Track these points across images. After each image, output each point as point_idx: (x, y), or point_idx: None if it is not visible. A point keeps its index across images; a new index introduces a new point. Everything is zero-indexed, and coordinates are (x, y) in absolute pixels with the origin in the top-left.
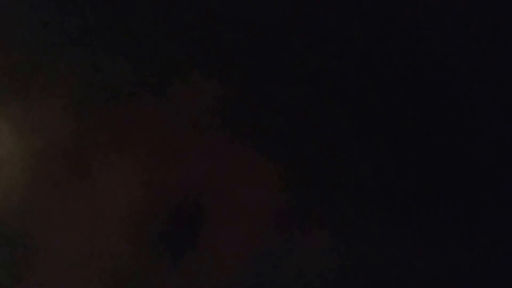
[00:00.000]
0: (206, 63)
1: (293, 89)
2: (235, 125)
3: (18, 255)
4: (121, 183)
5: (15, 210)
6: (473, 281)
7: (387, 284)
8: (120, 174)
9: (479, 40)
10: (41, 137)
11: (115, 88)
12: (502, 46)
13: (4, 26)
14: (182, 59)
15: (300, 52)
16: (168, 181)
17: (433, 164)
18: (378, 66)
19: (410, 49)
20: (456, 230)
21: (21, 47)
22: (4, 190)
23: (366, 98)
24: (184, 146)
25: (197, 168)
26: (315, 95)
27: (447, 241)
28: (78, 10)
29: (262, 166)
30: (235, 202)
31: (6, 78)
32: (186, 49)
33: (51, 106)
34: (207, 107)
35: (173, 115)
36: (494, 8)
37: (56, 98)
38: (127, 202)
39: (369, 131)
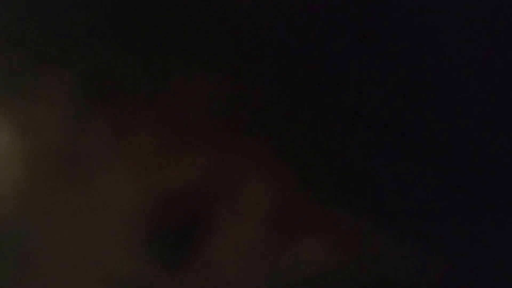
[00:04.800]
0: (207, 63)
1: (294, 89)
2: (236, 127)
3: (18, 255)
4: (122, 184)
5: (14, 211)
6: (472, 284)
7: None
8: (120, 175)
9: (484, 40)
10: (41, 137)
11: (116, 88)
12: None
13: (4, 26)
14: (183, 60)
15: (305, 52)
16: (169, 183)
17: (432, 165)
18: (382, 68)
19: (415, 49)
20: (455, 232)
21: (22, 47)
22: (3, 191)
23: (367, 99)
24: (185, 148)
25: (199, 169)
26: (316, 95)
27: (445, 243)
28: (78, 10)
29: (264, 168)
30: (237, 205)
31: (6, 78)
32: (186, 49)
33: (51, 106)
34: (208, 107)
35: (175, 116)
36: (495, 8)
37: (56, 98)
38: (128, 203)
39: (368, 133)
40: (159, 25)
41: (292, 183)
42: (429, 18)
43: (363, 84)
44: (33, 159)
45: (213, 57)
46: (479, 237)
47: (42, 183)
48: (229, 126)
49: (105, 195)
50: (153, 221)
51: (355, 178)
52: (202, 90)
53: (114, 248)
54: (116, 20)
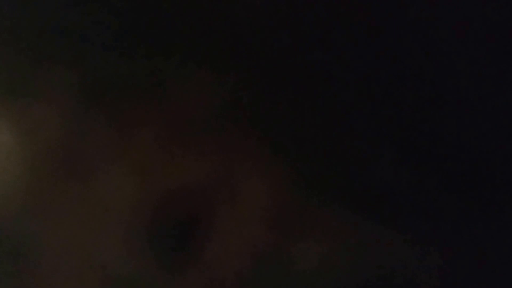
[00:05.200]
0: (207, 63)
1: (294, 89)
2: (236, 127)
3: (17, 255)
4: (121, 184)
5: (13, 212)
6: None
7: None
8: (120, 175)
9: (484, 42)
10: (40, 137)
11: (115, 88)
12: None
13: (4, 26)
14: (183, 60)
15: (303, 51)
16: (168, 184)
17: (432, 167)
18: (383, 68)
19: (415, 50)
20: (454, 234)
21: (21, 47)
22: (3, 190)
23: (367, 99)
24: (185, 148)
25: (198, 170)
26: (319, 97)
27: (445, 245)
28: (78, 10)
29: (264, 168)
30: (236, 206)
31: (6, 78)
32: (189, 48)
33: (50, 106)
34: (208, 108)
35: (174, 116)
36: (496, 9)
37: (56, 98)
38: (127, 203)
39: (368, 134)
40: (158, 25)
41: (292, 184)
42: (429, 21)
43: (362, 86)
44: (33, 158)
45: (213, 58)
46: (477, 236)
47: (42, 183)
48: (229, 126)
49: (105, 195)
50: (153, 222)
51: (354, 179)
52: (202, 90)
53: (113, 248)
54: (115, 20)
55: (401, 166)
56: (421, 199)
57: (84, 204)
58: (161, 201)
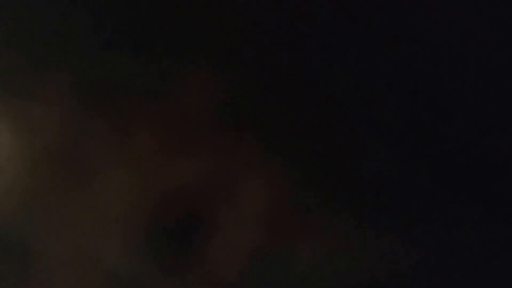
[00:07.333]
0: (206, 64)
1: (292, 89)
2: (237, 127)
3: (16, 254)
4: (121, 184)
5: (13, 212)
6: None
7: None
8: (119, 176)
9: (484, 42)
10: (40, 138)
11: (115, 89)
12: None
13: (4, 26)
14: (182, 61)
15: (304, 51)
16: (168, 184)
17: (433, 168)
18: (382, 69)
19: (415, 50)
20: (454, 236)
21: (22, 47)
22: (2, 192)
23: (367, 100)
24: (185, 148)
25: (198, 170)
26: (316, 97)
27: (444, 246)
28: (78, 10)
29: (263, 168)
30: (235, 206)
31: (6, 79)
32: (187, 49)
33: (51, 107)
34: (207, 109)
35: (174, 116)
36: (495, 9)
37: (55, 98)
38: (127, 204)
39: (369, 134)
40: (157, 26)
41: (291, 183)
42: (424, 17)
43: (360, 85)
44: (33, 158)
45: (212, 59)
46: (479, 239)
47: (42, 183)
48: (228, 127)
49: (105, 195)
50: (152, 222)
51: (354, 179)
52: (201, 91)
53: (114, 248)
54: (115, 22)
55: (401, 167)
56: (421, 201)
57: (84, 204)
58: (161, 202)
